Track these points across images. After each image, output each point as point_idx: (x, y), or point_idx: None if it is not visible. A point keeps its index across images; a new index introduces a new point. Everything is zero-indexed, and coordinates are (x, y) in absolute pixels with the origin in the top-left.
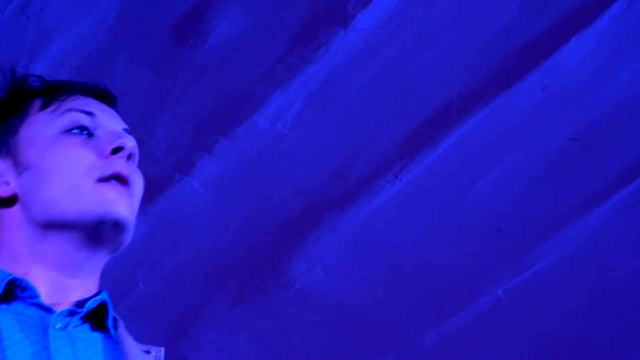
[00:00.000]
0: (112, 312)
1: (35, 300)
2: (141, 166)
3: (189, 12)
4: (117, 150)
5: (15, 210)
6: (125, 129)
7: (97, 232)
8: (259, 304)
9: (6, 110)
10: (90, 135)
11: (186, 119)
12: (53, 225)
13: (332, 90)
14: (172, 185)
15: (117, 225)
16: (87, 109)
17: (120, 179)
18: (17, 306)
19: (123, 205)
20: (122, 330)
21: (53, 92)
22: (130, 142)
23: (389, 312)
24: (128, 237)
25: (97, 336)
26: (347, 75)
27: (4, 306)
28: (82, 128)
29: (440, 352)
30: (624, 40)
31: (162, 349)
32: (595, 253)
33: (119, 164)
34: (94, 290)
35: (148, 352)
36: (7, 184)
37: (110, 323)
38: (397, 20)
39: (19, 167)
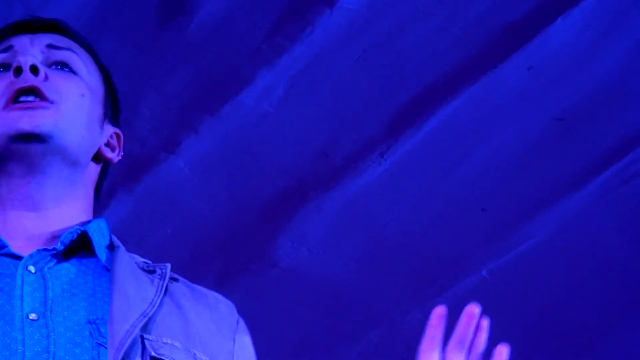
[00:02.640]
0: (103, 240)
1: (4, 251)
2: (127, 145)
3: None
4: (17, 70)
5: None
6: (49, 45)
7: (16, 150)
8: (244, 284)
9: None
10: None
11: (172, 98)
12: None
13: (318, 70)
14: (158, 165)
15: (27, 137)
16: (5, 45)
17: (25, 92)
18: None
19: (28, 118)
20: (121, 254)
21: None
22: (27, 58)
23: (373, 291)
24: (54, 145)
25: (72, 269)
26: (333, 55)
27: None
28: (1, 66)
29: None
30: (610, 20)
31: (168, 265)
32: (580, 233)
33: (21, 80)
34: (76, 219)
35: (153, 270)
36: None
37: (98, 250)
38: None
39: None
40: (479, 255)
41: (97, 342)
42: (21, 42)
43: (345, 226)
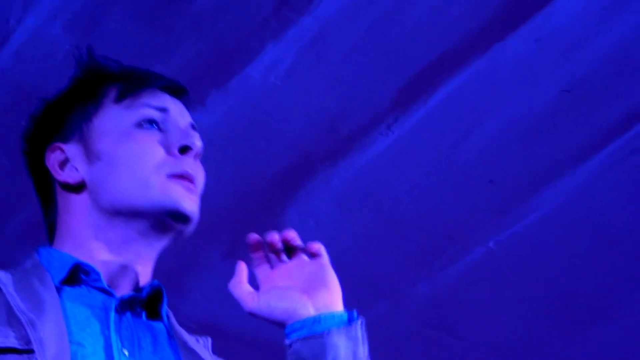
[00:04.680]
0: (165, 302)
1: (97, 284)
2: None
3: None
4: (185, 149)
5: (82, 197)
6: (191, 124)
7: (163, 222)
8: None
9: (81, 96)
10: (159, 129)
11: (179, 72)
12: (120, 213)
13: (325, 42)
14: None
15: (183, 218)
16: (161, 105)
17: (187, 178)
18: (81, 289)
19: (190, 201)
20: (174, 321)
21: (129, 84)
22: (198, 142)
23: (380, 263)
24: (192, 228)
25: (152, 324)
26: (341, 27)
27: (68, 289)
28: (152, 122)
29: (432, 303)
30: None
31: (209, 339)
32: (587, 205)
33: (187, 164)
34: (149, 276)
35: (197, 340)
36: (77, 170)
37: (164, 312)
38: None
39: (90, 156)
40: (486, 227)
41: None
42: (175, 110)
43: (352, 199)
